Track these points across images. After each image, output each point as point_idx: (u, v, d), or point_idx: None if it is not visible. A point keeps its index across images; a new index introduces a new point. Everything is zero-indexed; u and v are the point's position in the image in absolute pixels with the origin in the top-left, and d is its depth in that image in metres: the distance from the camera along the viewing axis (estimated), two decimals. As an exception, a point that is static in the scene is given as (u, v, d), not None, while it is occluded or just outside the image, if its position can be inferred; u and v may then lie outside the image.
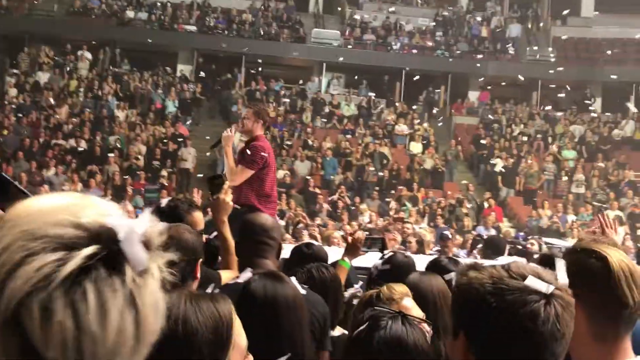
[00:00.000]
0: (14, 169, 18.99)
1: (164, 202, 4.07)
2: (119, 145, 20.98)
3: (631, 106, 25.83)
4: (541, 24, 30.21)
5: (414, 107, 26.43)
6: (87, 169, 19.55)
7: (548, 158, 23.36)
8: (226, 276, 3.70)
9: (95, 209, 0.98)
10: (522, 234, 16.62)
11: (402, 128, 24.73)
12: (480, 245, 8.73)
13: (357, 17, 29.18)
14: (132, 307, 0.94)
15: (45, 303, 0.88)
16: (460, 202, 20.46)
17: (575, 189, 22.40)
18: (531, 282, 1.58)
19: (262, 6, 28.86)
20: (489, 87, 27.84)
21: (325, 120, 25.21)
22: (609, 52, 27.06)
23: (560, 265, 1.77)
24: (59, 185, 17.75)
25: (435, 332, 2.44)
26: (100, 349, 0.90)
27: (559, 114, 26.49)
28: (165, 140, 21.68)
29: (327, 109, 25.61)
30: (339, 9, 30.30)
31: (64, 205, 0.97)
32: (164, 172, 20.12)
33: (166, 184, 19.57)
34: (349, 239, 4.69)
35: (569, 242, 14.35)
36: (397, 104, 26.65)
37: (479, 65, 27.20)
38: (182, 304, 1.94)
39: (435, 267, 3.80)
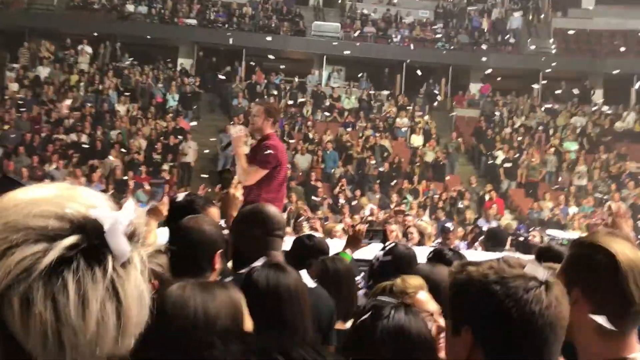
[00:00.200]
0: (16, 164, 19.00)
1: (181, 196, 4.06)
2: (120, 140, 20.97)
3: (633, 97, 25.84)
4: (542, 16, 30.13)
5: (415, 99, 26.39)
6: (88, 164, 19.54)
7: (549, 150, 23.34)
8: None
9: (81, 200, 0.97)
10: (523, 226, 16.62)
11: (403, 121, 24.71)
12: (482, 238, 8.72)
13: (357, 9, 29.13)
14: (114, 298, 0.94)
15: (25, 295, 0.88)
16: (461, 195, 20.47)
17: (576, 181, 22.39)
18: (530, 269, 1.63)
19: (262, -1, 28.85)
20: (490, 79, 27.80)
21: (326, 113, 25.18)
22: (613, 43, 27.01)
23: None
24: (61, 180, 17.74)
25: None
26: (80, 339, 0.90)
27: (560, 106, 26.43)
28: (166, 134, 21.68)
29: (327, 102, 25.59)
30: (339, 1, 30.24)
31: (49, 197, 0.97)
32: (165, 166, 20.14)
33: (167, 178, 19.60)
34: (350, 231, 4.69)
35: (572, 234, 14.35)
36: (397, 96, 26.62)
37: (479, 57, 27.16)
38: (198, 294, 1.97)
39: (437, 258, 3.80)
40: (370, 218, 15.31)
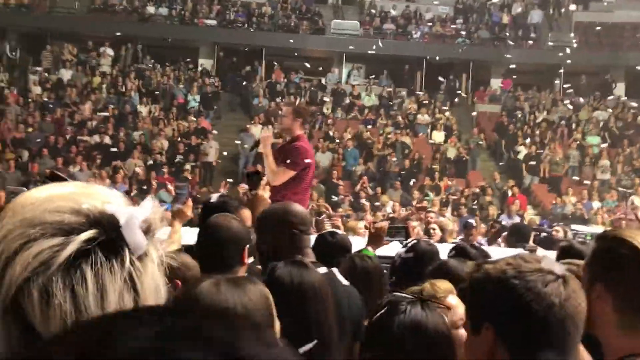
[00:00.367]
0: (40, 166, 19.20)
1: (214, 197, 4.10)
2: (142, 141, 21.13)
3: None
4: (562, 10, 29.88)
5: (436, 96, 26.30)
6: (111, 165, 19.70)
7: (572, 145, 23.17)
8: None
9: (96, 196, 0.99)
10: (546, 221, 16.53)
11: (423, 117, 24.64)
12: (505, 233, 8.69)
13: (376, 6, 29.07)
14: (132, 289, 0.95)
15: (44, 287, 0.90)
16: (483, 191, 20.38)
17: (600, 175, 22.21)
18: (547, 264, 1.65)
19: (281, -2, 28.89)
20: (512, 74, 27.63)
21: (346, 111, 25.17)
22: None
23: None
24: (85, 181, 17.86)
25: None
26: None
27: (582, 99, 26.19)
28: (187, 135, 21.80)
29: (347, 100, 25.57)
30: (358, -1, 30.21)
31: (65, 194, 0.99)
32: (187, 166, 20.26)
33: (190, 178, 19.72)
34: (372, 228, 4.69)
35: (595, 229, 14.24)
36: (418, 93, 26.55)
37: (500, 52, 27.00)
38: (233, 290, 1.96)
39: (459, 254, 3.80)
40: (391, 215, 15.30)
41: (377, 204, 19.04)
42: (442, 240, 8.09)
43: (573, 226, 12.57)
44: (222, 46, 27.27)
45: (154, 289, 0.99)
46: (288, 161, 5.96)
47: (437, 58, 27.12)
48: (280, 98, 24.47)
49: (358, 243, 5.03)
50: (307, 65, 26.53)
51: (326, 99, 25.21)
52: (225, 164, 21.94)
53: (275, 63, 26.84)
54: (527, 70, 27.42)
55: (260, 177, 4.24)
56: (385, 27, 27.98)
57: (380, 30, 27.89)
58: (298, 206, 3.65)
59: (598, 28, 27.53)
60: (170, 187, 18.26)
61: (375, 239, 4.72)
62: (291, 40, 26.50)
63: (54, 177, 3.44)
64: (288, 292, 2.51)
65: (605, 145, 23.33)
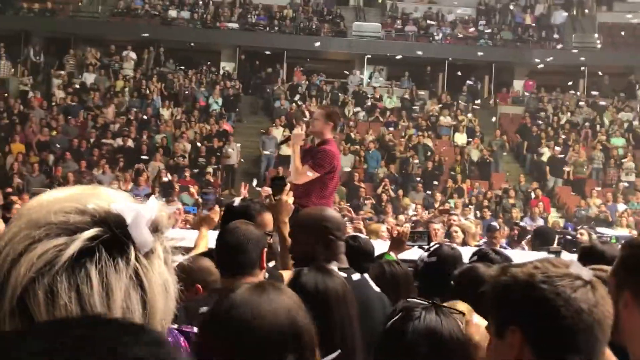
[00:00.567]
0: (63, 169, 19.37)
1: (237, 200, 4.10)
2: (165, 144, 21.25)
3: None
4: (586, 10, 29.65)
5: (458, 97, 26.19)
6: (134, 168, 19.83)
7: (596, 146, 22.96)
8: (287, 275, 3.72)
9: (102, 197, 0.99)
10: (571, 224, 16.38)
11: (446, 119, 24.55)
12: (529, 237, 8.62)
13: (398, 8, 29.02)
14: (138, 287, 0.95)
15: (49, 287, 0.90)
16: (507, 193, 20.26)
17: (624, 177, 22.00)
18: (575, 269, 1.64)
19: (303, 1, 28.90)
20: (535, 76, 27.45)
21: (367, 113, 25.14)
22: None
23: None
24: (108, 185, 18.01)
25: None
26: None
27: (605, 101, 25.92)
28: (209, 137, 21.89)
29: (369, 102, 25.54)
30: (380, 1, 30.16)
31: (71, 195, 0.99)
32: (210, 169, 20.34)
33: (212, 181, 19.80)
34: (394, 233, 4.66)
35: (620, 232, 14.09)
36: (440, 95, 26.46)
37: (523, 53, 26.84)
38: (278, 296, 1.93)
39: (481, 259, 3.76)
40: (414, 218, 15.24)
41: (399, 207, 19.00)
42: (464, 243, 8.04)
43: (598, 229, 12.46)
44: (243, 49, 27.36)
45: (162, 285, 0.98)
46: (313, 163, 5.96)
47: (459, 60, 27.01)
48: (302, 101, 24.51)
49: (380, 247, 5.01)
50: (327, 67, 26.54)
51: (348, 101, 25.19)
52: (247, 166, 21.99)
53: (297, 66, 26.89)
54: (550, 71, 27.21)
55: (284, 182, 4.23)
56: (407, 29, 27.93)
57: (402, 32, 27.85)
58: (333, 211, 3.62)
59: (621, 28, 27.27)
60: (193, 190, 18.32)
61: (397, 243, 4.70)
62: (317, 44, 26.52)
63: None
64: (313, 298, 2.47)
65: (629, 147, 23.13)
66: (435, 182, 21.01)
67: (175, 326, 2.38)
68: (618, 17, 28.41)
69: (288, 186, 4.23)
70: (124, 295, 0.93)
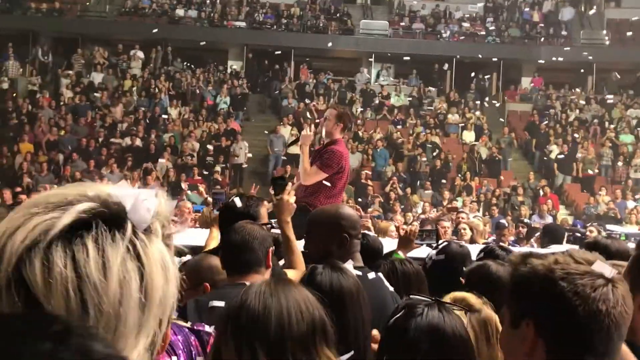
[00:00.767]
0: (72, 169, 19.42)
1: (237, 201, 4.07)
2: (172, 143, 21.27)
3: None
4: (594, 7, 29.52)
5: (466, 95, 26.12)
6: (142, 167, 19.86)
7: (605, 143, 22.87)
8: (291, 274, 3.72)
9: (104, 188, 0.99)
10: (580, 221, 16.32)
11: (454, 117, 24.50)
12: (537, 234, 8.59)
13: (405, 6, 28.96)
14: (135, 259, 0.94)
15: (45, 256, 0.90)
16: (515, 190, 20.21)
17: (634, 174, 21.91)
18: (598, 266, 1.59)
19: (310, -1, 28.92)
20: (543, 73, 27.35)
21: (375, 111, 25.11)
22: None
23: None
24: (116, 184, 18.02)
25: None
26: (103, 298, 0.90)
27: (615, 98, 25.81)
28: (217, 136, 21.90)
29: (376, 100, 25.51)
30: (387, -1, 30.13)
31: (73, 186, 0.99)
32: (218, 168, 20.35)
33: (220, 180, 19.80)
34: (402, 232, 4.65)
35: (631, 229, 14.03)
36: (448, 92, 26.40)
37: (531, 50, 26.75)
38: (299, 293, 1.96)
39: (488, 256, 3.75)
40: (422, 216, 15.21)
41: (405, 201, 18.97)
42: (472, 241, 8.01)
43: (608, 226, 12.40)
44: (251, 48, 27.36)
45: (160, 261, 0.97)
46: (321, 163, 5.97)
47: (467, 57, 26.93)
48: (309, 99, 24.51)
49: (389, 245, 5.00)
50: (334, 66, 26.49)
51: (355, 99, 25.16)
52: (255, 165, 22.00)
53: (303, 64, 26.87)
54: (558, 68, 27.11)
55: (285, 182, 4.23)
56: (414, 26, 27.88)
57: (409, 30, 27.79)
58: (348, 209, 3.61)
59: (630, 24, 27.13)
60: (202, 188, 18.34)
61: (405, 242, 4.68)
62: (329, 44, 26.49)
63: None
64: (328, 297, 2.44)
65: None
66: (444, 180, 20.97)
67: (189, 324, 2.37)
68: (626, 14, 28.27)
69: (289, 185, 4.22)
70: (120, 265, 0.92)
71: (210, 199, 16.94)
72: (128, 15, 27.33)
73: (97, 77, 24.79)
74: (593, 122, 24.57)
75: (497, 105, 26.59)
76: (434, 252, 3.97)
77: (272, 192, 4.61)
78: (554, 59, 26.44)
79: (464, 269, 3.49)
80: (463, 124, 24.21)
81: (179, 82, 24.97)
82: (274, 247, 3.35)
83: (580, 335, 1.58)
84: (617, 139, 23.35)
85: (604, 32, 27.90)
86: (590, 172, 21.97)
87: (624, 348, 1.76)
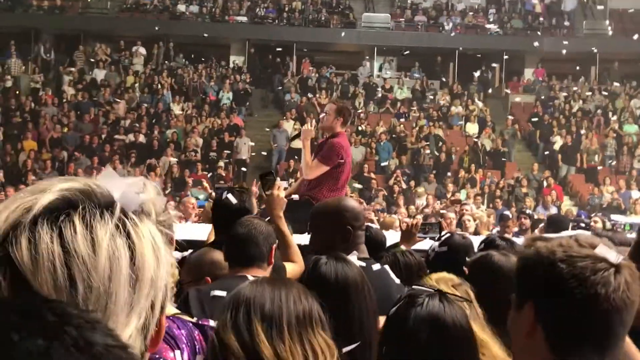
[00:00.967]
0: (75, 165, 19.44)
1: (231, 197, 4.05)
2: (175, 139, 21.28)
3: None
4: (597, -4, 29.44)
5: (469, 87, 26.07)
6: (146, 163, 19.88)
7: (609, 134, 22.81)
8: (290, 268, 3.72)
9: (92, 179, 0.98)
10: (584, 212, 16.31)
11: (457, 109, 24.45)
12: (542, 225, 8.58)
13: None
14: (125, 236, 0.92)
15: (31, 232, 0.88)
16: (519, 182, 20.18)
17: (637, 164, 21.86)
18: (601, 250, 1.57)
19: (311, -7, 28.85)
20: (546, 64, 27.27)
21: (378, 104, 25.07)
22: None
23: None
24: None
25: None
26: (92, 273, 0.88)
27: (617, 89, 25.72)
28: (220, 132, 21.90)
29: (379, 94, 25.47)
30: (389, -9, 30.04)
31: (64, 178, 0.97)
32: (221, 163, 20.35)
33: (224, 175, 19.81)
34: (404, 225, 4.64)
35: (635, 219, 14.01)
36: (451, 85, 26.34)
37: (534, 41, 26.68)
38: (294, 284, 1.96)
39: (489, 247, 3.74)
40: (426, 209, 15.20)
41: (409, 194, 18.96)
42: (476, 232, 8.02)
43: (612, 216, 12.40)
44: (253, 42, 27.33)
45: (151, 239, 0.94)
46: (321, 156, 5.98)
47: (470, 49, 26.87)
48: (312, 93, 24.48)
49: (393, 238, 5.00)
50: (336, 59, 26.46)
51: (358, 93, 25.12)
52: (259, 160, 22.00)
53: (306, 58, 26.84)
54: (561, 59, 27.01)
55: (273, 177, 4.22)
56: (416, 19, 27.81)
57: (411, 22, 27.73)
58: (351, 201, 3.62)
59: (633, 14, 27.04)
60: (206, 183, 18.37)
61: (408, 236, 4.67)
62: (330, 36, 26.43)
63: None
64: (333, 288, 2.43)
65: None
66: (448, 173, 20.94)
67: (194, 320, 2.37)
68: (629, 3, 28.16)
69: (278, 180, 4.22)
70: (110, 240, 0.89)
71: (214, 194, 16.92)
72: (129, 11, 27.32)
73: (99, 74, 24.80)
74: (596, 112, 24.50)
75: (501, 97, 26.53)
76: (437, 244, 3.97)
77: (256, 189, 4.62)
78: (556, 50, 26.36)
79: (467, 260, 3.48)
80: (466, 116, 24.17)
81: (182, 78, 24.97)
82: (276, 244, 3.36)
83: (576, 320, 1.56)
84: (621, 130, 23.30)
85: (607, 22, 27.80)
86: (594, 162, 21.93)
87: (628, 341, 1.74)
